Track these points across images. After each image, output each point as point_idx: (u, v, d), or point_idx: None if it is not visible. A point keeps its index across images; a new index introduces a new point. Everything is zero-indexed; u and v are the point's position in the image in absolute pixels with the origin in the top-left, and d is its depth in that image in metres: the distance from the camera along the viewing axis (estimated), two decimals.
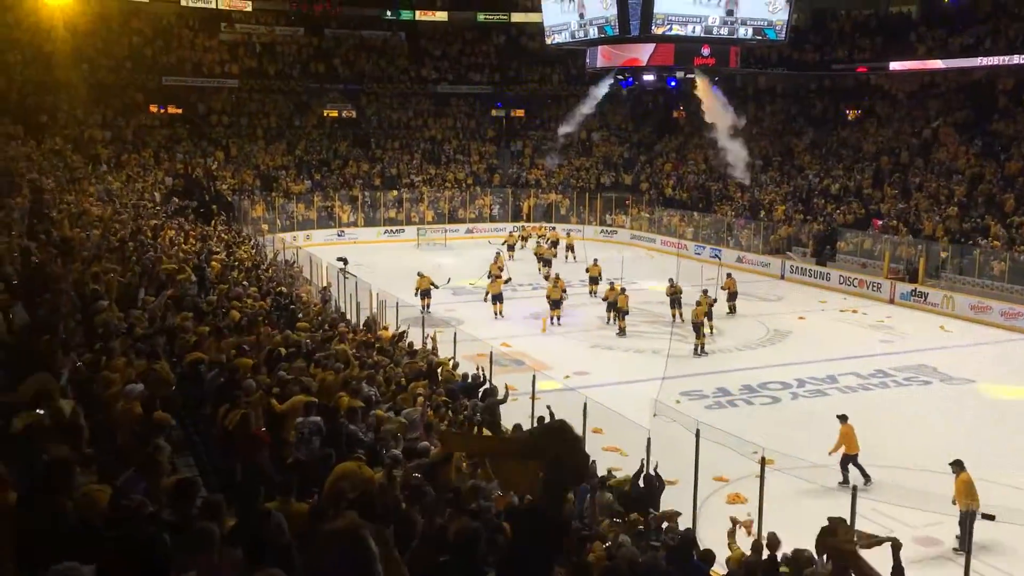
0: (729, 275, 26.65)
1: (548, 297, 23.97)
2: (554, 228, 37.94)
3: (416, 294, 23.99)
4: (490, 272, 25.96)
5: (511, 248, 33.70)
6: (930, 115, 36.04)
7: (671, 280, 23.88)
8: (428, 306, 23.61)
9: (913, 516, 12.31)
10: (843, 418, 13.77)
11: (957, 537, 11.49)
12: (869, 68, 38.20)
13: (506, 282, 24.71)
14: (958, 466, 11.65)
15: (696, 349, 21.22)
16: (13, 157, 23.94)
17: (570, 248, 34.01)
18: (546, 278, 27.52)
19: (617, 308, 23.08)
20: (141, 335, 8.98)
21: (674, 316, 23.59)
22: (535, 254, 31.42)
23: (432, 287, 24.17)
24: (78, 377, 6.77)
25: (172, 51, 41.51)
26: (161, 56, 41.03)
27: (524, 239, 35.72)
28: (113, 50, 40.13)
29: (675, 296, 23.74)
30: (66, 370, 6.41)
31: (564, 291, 24.19)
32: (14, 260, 10.57)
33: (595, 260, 27.93)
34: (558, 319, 23.68)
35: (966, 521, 10.94)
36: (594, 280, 27.00)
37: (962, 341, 23.15)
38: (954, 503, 11.67)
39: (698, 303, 21.93)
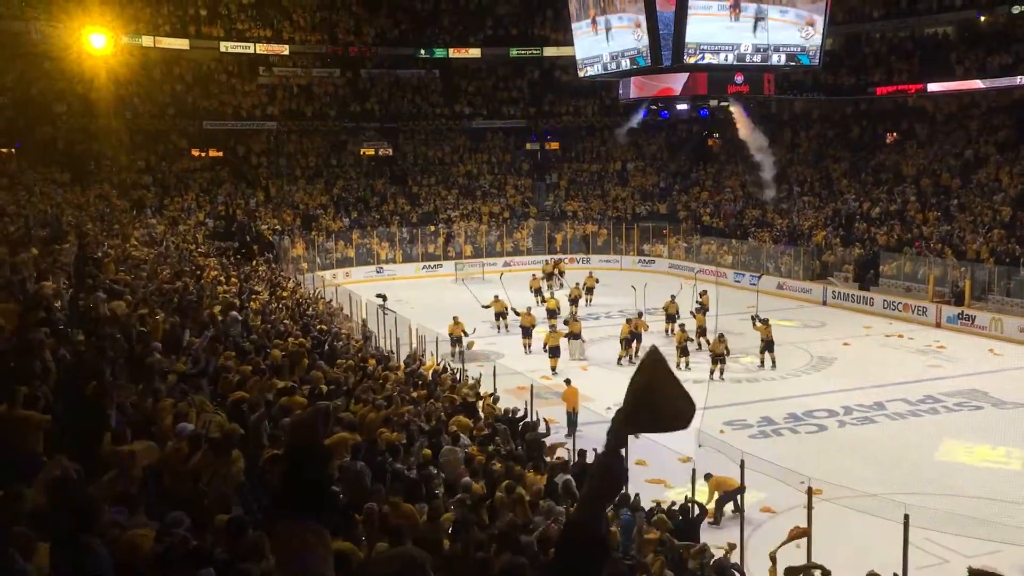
0: (704, 292, 26.45)
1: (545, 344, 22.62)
2: (588, 270, 34.86)
3: (450, 339, 22.90)
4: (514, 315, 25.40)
5: (537, 293, 30.54)
6: (971, 135, 35.61)
7: (722, 335, 21.79)
8: (462, 352, 22.15)
9: (967, 545, 11.99)
10: None
11: (710, 508, 12.63)
12: (907, 90, 37.85)
13: (568, 336, 23.02)
14: (707, 477, 12.92)
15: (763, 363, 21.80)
16: (60, 204, 24.56)
17: (589, 290, 31.20)
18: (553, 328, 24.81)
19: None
20: (185, 374, 9.10)
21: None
22: (548, 308, 26.88)
23: (463, 334, 22.97)
24: (131, 417, 6.86)
25: (212, 96, 42.46)
26: (201, 101, 41.97)
27: (548, 277, 33.95)
28: (155, 97, 41.12)
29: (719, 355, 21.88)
30: (113, 412, 6.51)
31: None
32: (62, 305, 10.79)
33: (672, 297, 26.19)
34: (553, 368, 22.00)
35: (722, 501, 12.84)
36: (671, 318, 25.36)
37: (1013, 364, 22.61)
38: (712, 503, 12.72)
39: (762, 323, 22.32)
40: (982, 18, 36.82)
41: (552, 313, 26.31)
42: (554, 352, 22.16)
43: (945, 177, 34.22)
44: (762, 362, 22.24)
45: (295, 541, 2.15)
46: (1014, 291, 26.81)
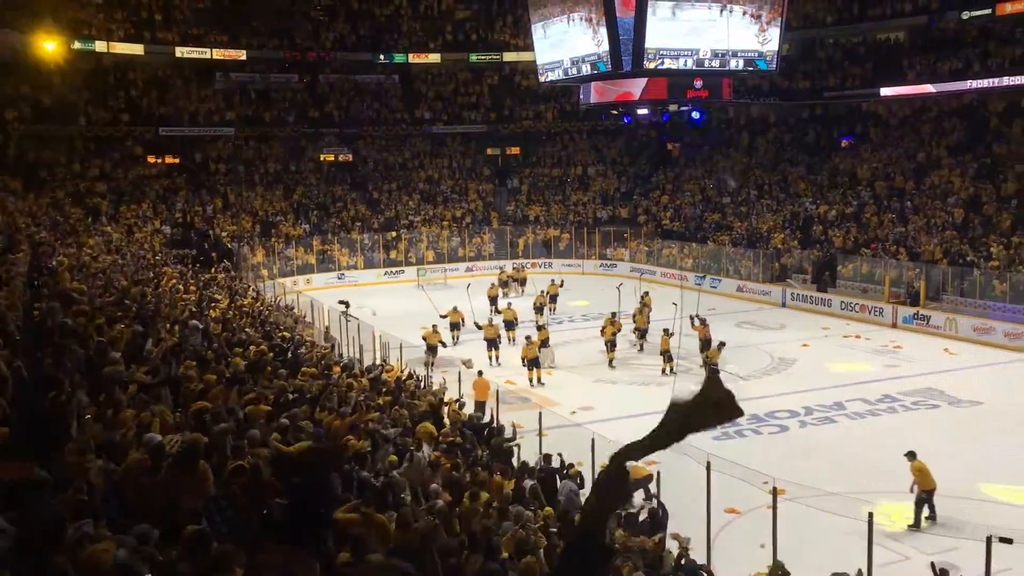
0: (646, 293, 26.94)
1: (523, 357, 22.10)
2: (553, 280, 32.57)
3: (425, 345, 22.63)
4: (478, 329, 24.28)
5: (493, 301, 29.92)
6: (923, 139, 36.31)
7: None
8: (433, 363, 21.87)
9: (927, 542, 12.19)
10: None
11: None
12: (860, 95, 38.55)
13: (540, 345, 22.46)
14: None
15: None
16: (12, 212, 24.01)
17: (553, 298, 30.65)
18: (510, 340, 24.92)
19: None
20: (145, 385, 8.92)
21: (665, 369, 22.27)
22: (504, 320, 25.86)
23: (440, 344, 22.73)
24: (93, 429, 6.70)
25: (168, 102, 41.86)
26: (157, 107, 41.38)
27: (504, 284, 33.80)
28: (110, 103, 40.48)
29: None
30: (75, 424, 6.37)
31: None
32: (16, 316, 10.54)
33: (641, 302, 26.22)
34: (538, 379, 21.71)
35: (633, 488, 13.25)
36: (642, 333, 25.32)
37: (967, 363, 23.09)
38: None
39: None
40: (933, 24, 37.59)
41: (510, 325, 25.69)
42: (533, 364, 21.73)
43: (899, 180, 34.84)
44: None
45: (281, 566, 2.11)
46: (967, 291, 27.35)
